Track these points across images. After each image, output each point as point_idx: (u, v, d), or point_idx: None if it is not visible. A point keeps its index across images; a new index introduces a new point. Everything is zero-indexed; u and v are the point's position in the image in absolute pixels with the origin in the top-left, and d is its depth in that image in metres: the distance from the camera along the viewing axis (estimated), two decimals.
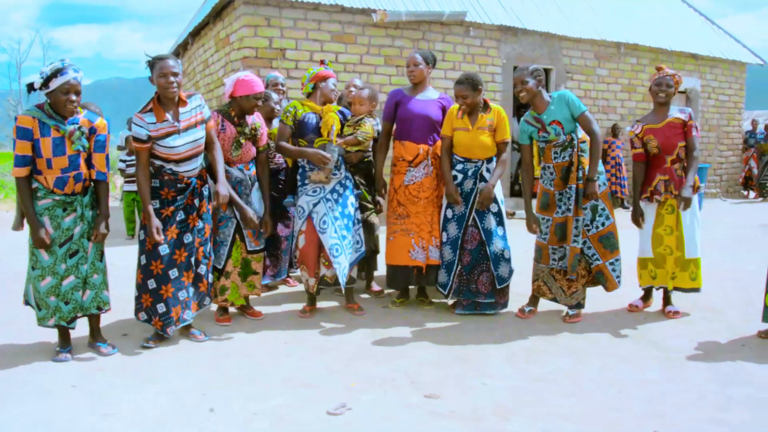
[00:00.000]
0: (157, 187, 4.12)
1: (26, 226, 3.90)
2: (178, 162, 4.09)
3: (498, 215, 4.74)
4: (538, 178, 4.81)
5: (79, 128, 3.84)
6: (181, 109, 4.09)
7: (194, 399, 3.32)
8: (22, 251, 4.04)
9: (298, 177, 4.78)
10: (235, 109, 4.48)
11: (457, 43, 10.39)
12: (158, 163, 4.11)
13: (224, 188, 4.21)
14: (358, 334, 4.41)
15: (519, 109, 11.35)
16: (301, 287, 5.61)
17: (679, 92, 13.52)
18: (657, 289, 4.92)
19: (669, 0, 14.94)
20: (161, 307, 4.13)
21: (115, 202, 12.82)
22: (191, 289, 4.23)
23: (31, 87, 3.82)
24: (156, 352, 4.07)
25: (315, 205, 4.64)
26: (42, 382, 3.54)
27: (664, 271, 4.75)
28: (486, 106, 4.75)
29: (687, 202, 4.59)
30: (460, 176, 4.72)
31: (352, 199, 4.77)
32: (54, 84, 3.71)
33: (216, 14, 10.01)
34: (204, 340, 4.28)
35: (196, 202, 4.20)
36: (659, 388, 3.47)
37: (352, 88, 5.50)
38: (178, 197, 4.13)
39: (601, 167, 4.62)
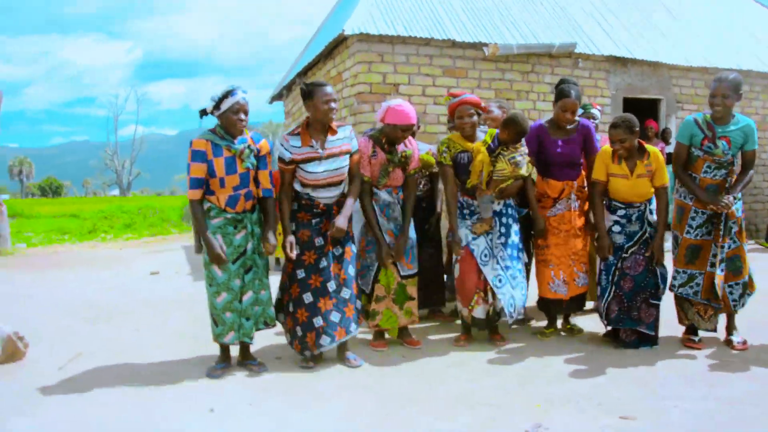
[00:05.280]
0: (294, 210, 4.19)
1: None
2: (315, 188, 4.14)
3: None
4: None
5: (248, 147, 3.98)
6: (329, 137, 4.16)
7: (376, 419, 3.28)
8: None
9: (458, 208, 4.67)
10: (386, 136, 4.45)
11: (566, 75, 10.27)
12: (297, 187, 4.19)
13: (343, 221, 4.14)
14: (520, 359, 4.28)
15: None
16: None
17: None
18: None
19: None
20: (299, 331, 4.15)
21: None
22: (334, 315, 4.15)
23: (203, 112, 4.00)
24: (318, 374, 4.05)
25: (475, 238, 4.55)
26: (214, 401, 3.56)
27: None
28: (642, 150, 4.45)
29: None
30: (623, 221, 4.50)
31: (515, 228, 4.63)
32: (225, 105, 3.89)
33: (327, 54, 10.28)
34: (359, 365, 4.21)
35: None
36: None
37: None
38: (314, 220, 4.16)
39: (739, 201, 4.41)
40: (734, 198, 4.26)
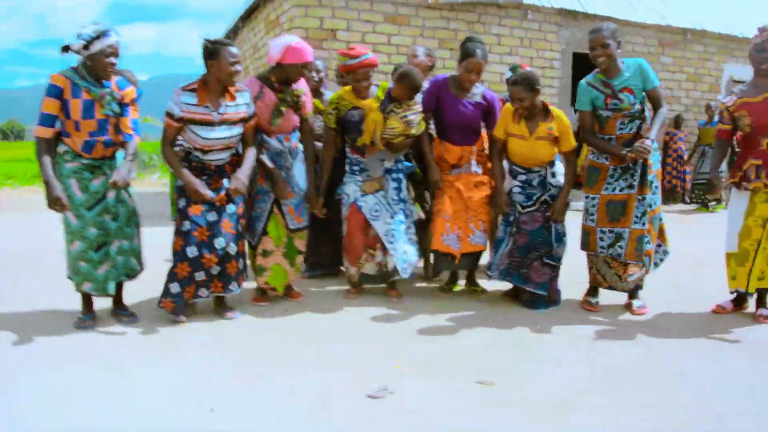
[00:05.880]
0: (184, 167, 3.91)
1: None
2: (205, 152, 3.87)
3: None
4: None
5: (110, 93, 3.67)
6: (227, 102, 3.85)
7: (221, 374, 3.08)
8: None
9: (346, 163, 4.48)
10: (279, 76, 4.14)
11: (515, 26, 9.96)
12: (186, 146, 3.92)
13: (243, 177, 3.90)
14: (406, 318, 4.08)
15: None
16: None
17: None
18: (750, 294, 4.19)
19: None
20: (174, 288, 3.86)
21: (161, 187, 12.85)
22: (215, 269, 3.91)
23: (66, 48, 3.64)
24: (189, 327, 3.84)
25: (364, 195, 4.34)
26: (67, 352, 3.38)
27: (744, 269, 4.10)
28: (546, 112, 4.23)
29: None
30: (525, 185, 4.31)
31: (406, 182, 4.47)
32: (97, 46, 3.57)
33: None
34: (233, 317, 4.02)
35: (225, 182, 3.94)
36: (748, 382, 3.05)
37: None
38: (203, 177, 3.89)
39: (656, 151, 4.19)
40: (651, 141, 3.98)
